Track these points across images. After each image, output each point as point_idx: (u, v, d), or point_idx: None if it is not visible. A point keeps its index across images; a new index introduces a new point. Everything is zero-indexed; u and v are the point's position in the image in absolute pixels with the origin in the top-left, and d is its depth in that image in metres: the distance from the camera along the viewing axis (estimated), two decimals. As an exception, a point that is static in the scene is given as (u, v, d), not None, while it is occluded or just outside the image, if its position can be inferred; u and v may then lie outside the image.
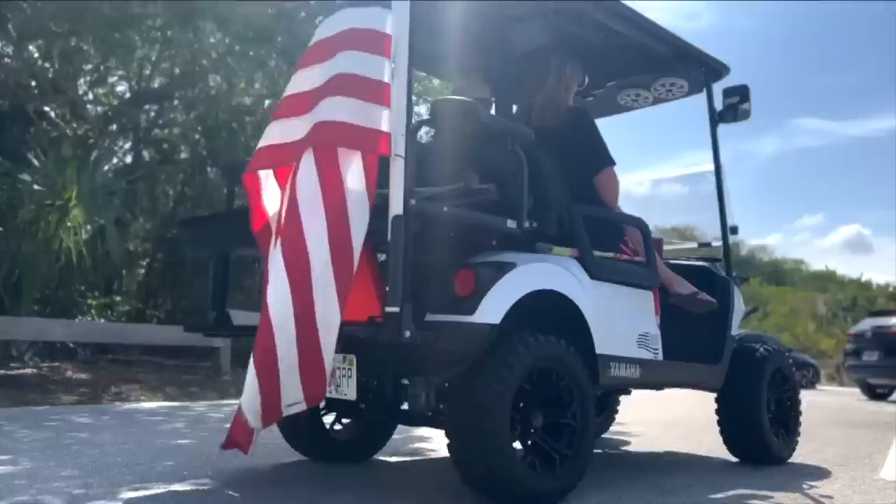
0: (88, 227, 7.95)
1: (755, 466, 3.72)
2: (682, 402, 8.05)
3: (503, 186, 2.47)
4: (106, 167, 10.23)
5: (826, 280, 47.32)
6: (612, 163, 3.19)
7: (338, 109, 2.14)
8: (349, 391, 2.53)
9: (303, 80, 2.35)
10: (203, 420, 4.92)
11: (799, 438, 4.07)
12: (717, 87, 3.96)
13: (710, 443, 4.53)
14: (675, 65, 3.73)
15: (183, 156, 11.79)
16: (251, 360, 2.12)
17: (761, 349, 3.81)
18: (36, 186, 7.88)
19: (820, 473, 3.64)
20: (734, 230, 4.01)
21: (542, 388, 2.54)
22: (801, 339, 29.24)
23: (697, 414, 6.80)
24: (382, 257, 2.53)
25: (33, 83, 9.86)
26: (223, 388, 7.45)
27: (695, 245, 4.32)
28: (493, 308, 2.37)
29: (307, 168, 2.11)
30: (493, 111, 3.66)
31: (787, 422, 3.97)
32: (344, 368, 2.54)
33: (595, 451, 3.05)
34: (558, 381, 2.59)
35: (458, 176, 2.45)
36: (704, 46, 3.68)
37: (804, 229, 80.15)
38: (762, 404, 3.70)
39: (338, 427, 3.39)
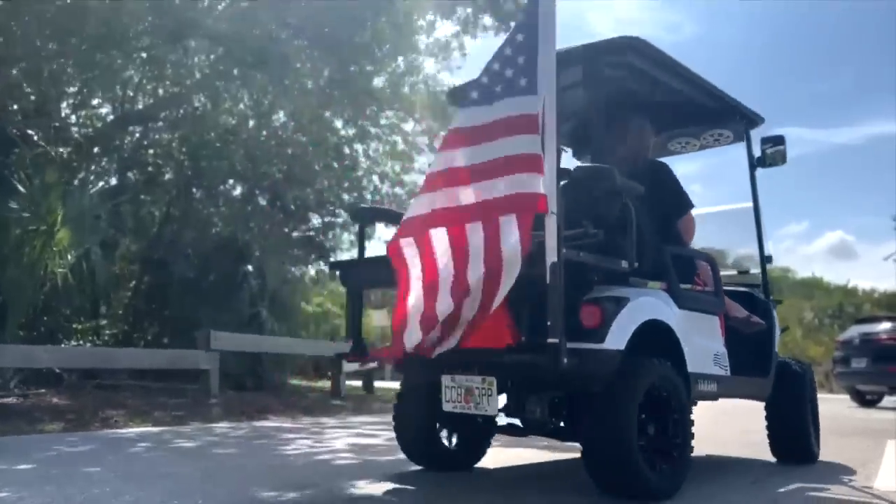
0: (73, 251, 7.85)
1: (741, 476, 3.73)
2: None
3: (609, 231, 2.95)
4: (91, 189, 10.18)
5: (812, 287, 47.60)
6: (692, 206, 3.80)
7: (505, 186, 2.65)
8: (490, 408, 2.96)
9: (457, 158, 2.84)
10: (189, 446, 4.86)
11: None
12: (755, 135, 4.51)
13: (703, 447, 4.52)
14: (722, 117, 4.29)
15: (168, 176, 11.73)
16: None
17: (795, 364, 4.51)
18: (22, 214, 7.80)
19: (815, 485, 3.63)
20: (769, 259, 4.53)
21: (654, 402, 3.02)
22: (789, 347, 29.36)
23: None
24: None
25: (15, 106, 9.81)
26: (212, 412, 7.38)
27: (735, 272, 4.82)
28: (618, 336, 2.88)
29: (473, 233, 2.66)
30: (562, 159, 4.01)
31: (816, 425, 4.60)
32: (484, 388, 2.95)
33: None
34: (667, 396, 3.09)
35: (574, 223, 2.85)
36: (711, 78, 3.88)
37: (789, 237, 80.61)
38: (807, 412, 4.38)
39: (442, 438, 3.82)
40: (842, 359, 13.42)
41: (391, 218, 3.95)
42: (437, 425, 3.71)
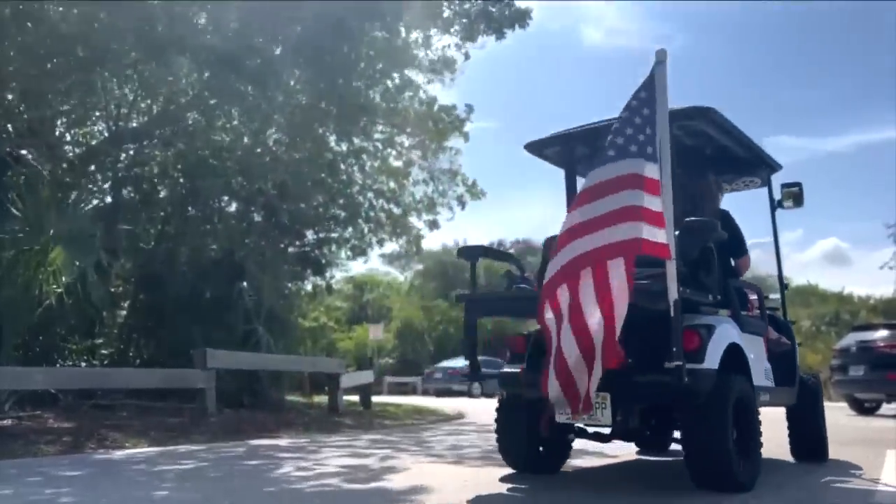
0: (68, 271, 7.81)
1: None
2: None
3: (693, 268, 3.70)
4: (85, 208, 10.15)
5: (808, 295, 47.65)
6: (747, 251, 4.66)
7: (630, 230, 3.18)
8: (604, 418, 3.71)
9: (579, 215, 3.32)
10: (184, 468, 4.82)
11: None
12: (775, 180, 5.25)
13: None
14: (753, 166, 4.98)
15: (163, 194, 11.71)
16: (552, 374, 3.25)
17: (809, 377, 5.30)
18: (16, 234, 7.77)
19: (815, 498, 3.62)
20: (786, 286, 5.44)
21: (737, 411, 3.69)
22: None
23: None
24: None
25: (9, 126, 9.79)
26: (209, 431, 7.32)
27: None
28: (712, 357, 3.60)
29: (614, 270, 3.17)
30: None
31: (825, 429, 5.29)
32: (599, 402, 3.63)
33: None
34: (745, 405, 3.78)
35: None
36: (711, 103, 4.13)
37: (783, 244, 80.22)
38: (822, 417, 5.16)
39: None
40: (839, 367, 13.39)
41: (496, 255, 4.94)
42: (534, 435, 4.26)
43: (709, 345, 3.60)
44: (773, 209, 5.24)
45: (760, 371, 4.23)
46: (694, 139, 4.21)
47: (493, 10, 10.61)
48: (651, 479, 4.59)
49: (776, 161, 4.98)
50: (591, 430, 4.19)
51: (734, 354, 3.82)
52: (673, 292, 3.30)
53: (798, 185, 5.11)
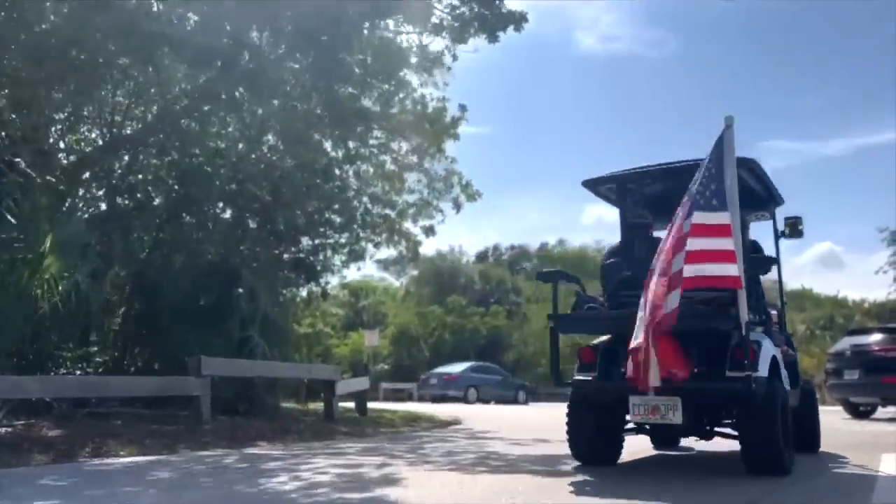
0: (63, 279, 7.78)
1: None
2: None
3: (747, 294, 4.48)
4: (81, 216, 10.12)
5: (803, 299, 47.77)
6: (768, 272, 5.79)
7: (708, 269, 4.18)
8: (675, 418, 4.52)
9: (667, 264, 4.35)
10: (178, 476, 4.81)
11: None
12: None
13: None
14: (766, 202, 5.89)
15: (157, 201, 11.69)
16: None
17: (807, 382, 6.46)
18: (11, 242, 7.73)
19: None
20: (785, 303, 6.65)
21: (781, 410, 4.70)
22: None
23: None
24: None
25: (2, 133, 9.77)
26: (203, 439, 7.29)
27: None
28: (763, 367, 4.50)
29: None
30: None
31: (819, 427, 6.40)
32: (670, 404, 4.50)
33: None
34: (784, 405, 4.74)
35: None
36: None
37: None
38: (818, 417, 6.22)
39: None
40: (834, 371, 13.42)
41: (568, 278, 5.62)
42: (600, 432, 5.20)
43: (760, 357, 4.51)
44: (776, 238, 6.19)
45: (784, 377, 5.03)
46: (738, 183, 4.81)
47: (487, 12, 10.59)
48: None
49: (781, 196, 5.83)
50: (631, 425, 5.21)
51: (774, 364, 4.72)
52: (744, 315, 4.27)
53: (798, 218, 5.95)
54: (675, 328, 4.18)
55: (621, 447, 5.36)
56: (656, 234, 5.50)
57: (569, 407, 5.30)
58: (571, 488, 4.24)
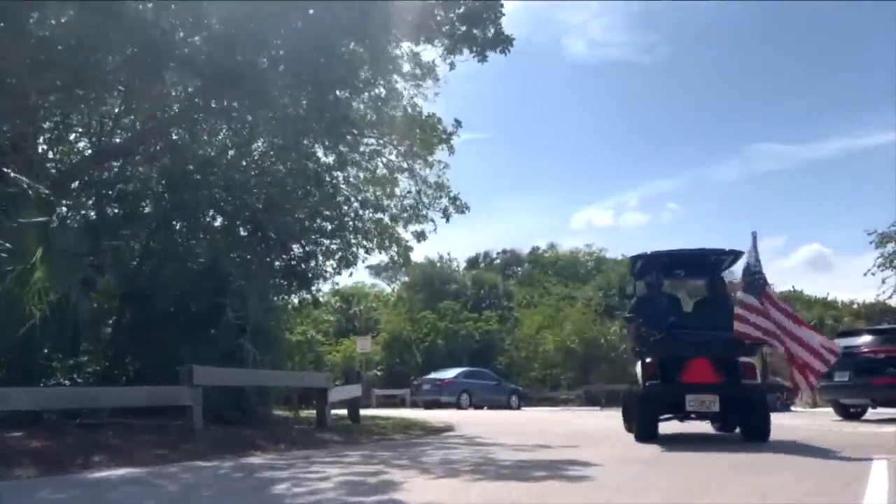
0: (53, 290, 7.73)
1: None
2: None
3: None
4: (71, 224, 10.06)
5: (793, 300, 48.04)
6: None
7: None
8: (715, 407, 7.87)
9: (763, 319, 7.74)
10: (172, 490, 4.78)
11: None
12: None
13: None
14: (735, 262, 8.97)
15: (147, 210, 11.63)
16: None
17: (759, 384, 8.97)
18: (1, 251, 7.69)
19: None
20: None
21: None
22: (773, 361, 29.52)
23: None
24: None
25: (-8, 144, 9.70)
26: (196, 449, 7.24)
27: None
28: (759, 378, 8.62)
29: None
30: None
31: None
32: (711, 400, 7.83)
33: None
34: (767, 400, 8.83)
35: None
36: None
37: (767, 251, 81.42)
38: (768, 412, 8.16)
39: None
40: (825, 372, 13.49)
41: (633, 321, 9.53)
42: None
43: (758, 372, 8.48)
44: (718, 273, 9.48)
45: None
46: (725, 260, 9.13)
47: (476, 32, 10.66)
48: (691, 470, 5.52)
49: (739, 252, 8.55)
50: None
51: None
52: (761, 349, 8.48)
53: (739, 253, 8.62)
54: (708, 353, 8.15)
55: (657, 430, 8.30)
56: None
57: (638, 402, 8.49)
58: (570, 494, 4.24)
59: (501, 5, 10.70)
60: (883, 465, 5.34)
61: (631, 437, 8.52)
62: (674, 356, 8.16)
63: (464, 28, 10.81)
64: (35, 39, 8.77)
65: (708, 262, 9.06)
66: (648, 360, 8.32)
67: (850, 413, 13.56)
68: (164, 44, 8.89)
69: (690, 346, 8.15)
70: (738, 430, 8.55)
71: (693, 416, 8.12)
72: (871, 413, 13.84)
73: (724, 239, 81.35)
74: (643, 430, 8.08)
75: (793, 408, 20.63)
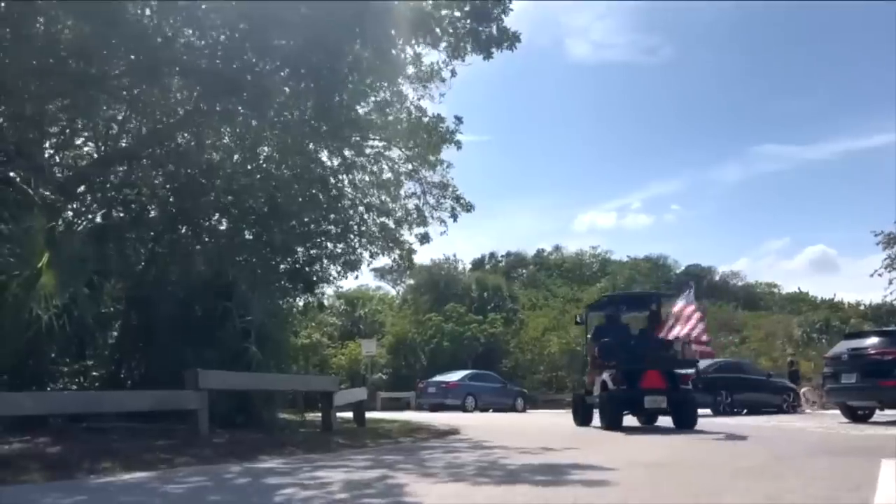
0: (59, 295, 7.75)
1: None
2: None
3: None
4: (76, 229, 10.08)
5: (799, 302, 47.85)
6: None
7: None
8: (664, 405, 11.17)
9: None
10: (184, 492, 4.77)
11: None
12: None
13: (702, 484, 4.49)
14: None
15: (153, 214, 11.66)
16: None
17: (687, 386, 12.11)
18: (7, 258, 7.71)
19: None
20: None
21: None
22: (778, 364, 29.41)
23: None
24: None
25: (-2, 150, 9.75)
26: (202, 453, 7.24)
27: None
28: (689, 385, 12.23)
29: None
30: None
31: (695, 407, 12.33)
32: (661, 399, 11.08)
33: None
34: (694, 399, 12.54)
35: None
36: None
37: (770, 252, 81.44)
38: (695, 407, 11.87)
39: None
40: (831, 375, 13.43)
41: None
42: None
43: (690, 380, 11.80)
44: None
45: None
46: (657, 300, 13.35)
47: (481, 29, 10.62)
48: (694, 471, 5.27)
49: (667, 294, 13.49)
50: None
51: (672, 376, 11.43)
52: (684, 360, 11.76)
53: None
54: (659, 366, 11.22)
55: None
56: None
57: (607, 402, 11.41)
58: (573, 499, 4.22)
59: (509, 1, 10.65)
60: (892, 468, 5.30)
61: (632, 438, 9.31)
62: (634, 368, 11.27)
63: (469, 25, 10.76)
64: (40, 45, 8.81)
65: (647, 301, 13.48)
66: (615, 371, 11.38)
67: (858, 415, 13.48)
68: (165, 49, 8.90)
69: (646, 360, 11.49)
70: (657, 421, 12.36)
71: (649, 411, 11.67)
72: (878, 415, 13.76)
73: (727, 240, 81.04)
74: (612, 421, 11.17)
75: (799, 410, 20.54)
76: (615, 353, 11.67)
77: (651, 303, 13.16)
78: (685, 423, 10.94)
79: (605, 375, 11.53)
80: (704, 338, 10.69)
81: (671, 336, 10.84)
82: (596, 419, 11.90)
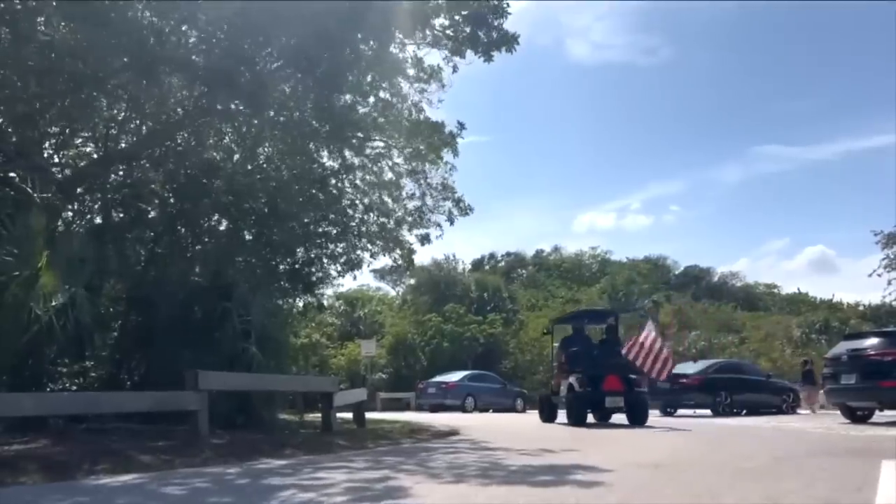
0: (59, 295, 7.74)
1: None
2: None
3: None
4: (76, 229, 10.06)
5: (798, 303, 47.85)
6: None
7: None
8: (621, 405, 13.04)
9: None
10: (184, 493, 4.76)
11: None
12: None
13: (706, 484, 4.48)
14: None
15: (152, 214, 11.65)
16: None
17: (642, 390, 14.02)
18: (6, 258, 7.70)
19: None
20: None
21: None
22: (778, 364, 29.41)
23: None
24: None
25: (-3, 150, 9.73)
26: (202, 454, 7.23)
27: None
28: (644, 388, 13.84)
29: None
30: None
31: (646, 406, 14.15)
32: (619, 399, 13.01)
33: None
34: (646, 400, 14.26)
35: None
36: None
37: (770, 253, 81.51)
38: (647, 407, 13.56)
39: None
40: (831, 375, 13.42)
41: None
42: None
43: (643, 384, 13.44)
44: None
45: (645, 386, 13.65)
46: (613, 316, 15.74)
47: (481, 33, 10.62)
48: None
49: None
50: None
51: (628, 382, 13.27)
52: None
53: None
54: (617, 372, 13.01)
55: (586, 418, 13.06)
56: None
57: (574, 401, 13.05)
58: (574, 500, 4.21)
59: (507, 5, 10.65)
60: (892, 469, 5.30)
61: (633, 439, 9.73)
62: (597, 373, 13.01)
63: (468, 30, 10.76)
64: (37, 45, 8.79)
65: (605, 316, 16.19)
66: (580, 375, 13.07)
67: (858, 416, 13.47)
68: (160, 47, 8.87)
69: (607, 367, 13.16)
70: (611, 419, 13.71)
71: (609, 410, 13.30)
72: (878, 416, 13.76)
73: (726, 240, 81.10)
74: (578, 418, 12.94)
75: (799, 411, 20.53)
76: (581, 361, 13.57)
77: (608, 317, 15.76)
78: (638, 421, 12.71)
79: (572, 379, 13.19)
80: (664, 354, 12.85)
81: (632, 358, 12.87)
82: (561, 416, 13.67)
